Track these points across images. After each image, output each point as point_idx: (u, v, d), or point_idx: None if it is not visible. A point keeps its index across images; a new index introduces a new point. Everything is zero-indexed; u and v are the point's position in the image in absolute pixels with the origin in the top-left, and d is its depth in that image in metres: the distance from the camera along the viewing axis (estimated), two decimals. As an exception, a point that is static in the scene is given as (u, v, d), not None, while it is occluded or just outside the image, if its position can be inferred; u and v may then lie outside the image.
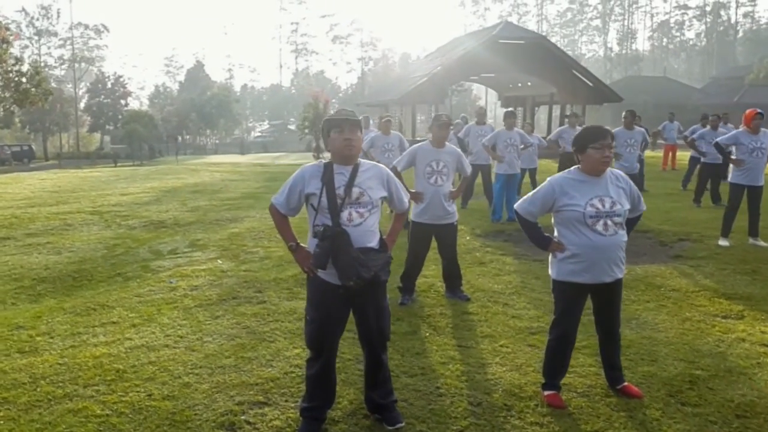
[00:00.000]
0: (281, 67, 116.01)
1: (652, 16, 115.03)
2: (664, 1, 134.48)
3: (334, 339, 3.44)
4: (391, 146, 9.15)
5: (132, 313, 5.54)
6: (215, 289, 6.28)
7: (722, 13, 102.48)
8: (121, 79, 62.98)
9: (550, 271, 3.86)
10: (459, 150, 6.00)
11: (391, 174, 3.51)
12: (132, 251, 8.15)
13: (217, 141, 69.90)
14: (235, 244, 8.48)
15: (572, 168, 3.74)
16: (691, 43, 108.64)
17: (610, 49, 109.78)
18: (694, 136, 12.34)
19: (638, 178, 10.10)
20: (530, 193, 3.84)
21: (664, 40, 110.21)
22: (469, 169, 6.19)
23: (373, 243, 3.33)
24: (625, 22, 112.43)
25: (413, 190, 5.63)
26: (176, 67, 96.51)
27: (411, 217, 5.70)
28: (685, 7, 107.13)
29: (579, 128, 12.38)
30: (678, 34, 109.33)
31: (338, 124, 3.31)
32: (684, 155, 17.56)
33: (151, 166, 28.08)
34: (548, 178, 3.79)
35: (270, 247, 8.27)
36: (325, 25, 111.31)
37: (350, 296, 3.28)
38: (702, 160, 11.98)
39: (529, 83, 30.99)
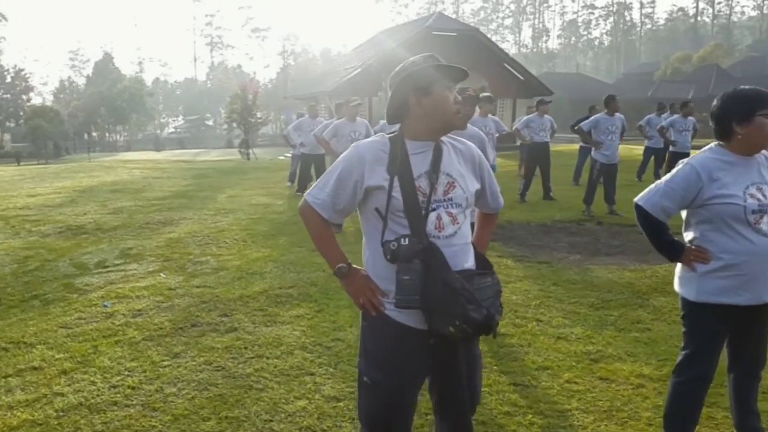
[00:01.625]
0: (195, 60, 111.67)
1: (561, 15, 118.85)
2: (573, 1, 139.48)
3: (409, 415, 2.28)
4: (358, 135, 7.98)
5: (60, 353, 4.13)
6: (166, 313, 4.92)
7: (626, 13, 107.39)
8: (23, 73, 58.37)
9: (678, 288, 2.83)
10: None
11: (482, 155, 2.36)
12: (49, 265, 6.59)
13: (127, 137, 65.93)
14: (177, 253, 7.07)
15: (713, 145, 2.72)
16: (597, 41, 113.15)
17: (526, 45, 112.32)
18: (664, 124, 11.82)
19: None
20: (660, 182, 2.78)
21: (573, 38, 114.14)
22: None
23: (471, 262, 2.19)
24: (536, 21, 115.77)
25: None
26: (82, 61, 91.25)
27: None
28: (593, 6, 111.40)
29: (548, 117, 11.76)
30: (585, 32, 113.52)
31: (447, 75, 2.15)
32: (638, 147, 17.27)
33: (60, 164, 25.52)
34: (685, 160, 2.75)
35: (222, 255, 6.93)
36: (242, 17, 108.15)
37: (438, 347, 2.13)
38: (671, 149, 11.46)
39: (460, 76, 30.37)
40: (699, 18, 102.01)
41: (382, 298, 2.14)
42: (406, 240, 2.02)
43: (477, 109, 10.11)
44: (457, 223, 2.14)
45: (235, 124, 27.57)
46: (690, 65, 61.97)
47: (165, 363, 3.94)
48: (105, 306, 5.09)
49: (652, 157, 14.17)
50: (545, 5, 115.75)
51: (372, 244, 2.18)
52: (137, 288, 5.60)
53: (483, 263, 2.22)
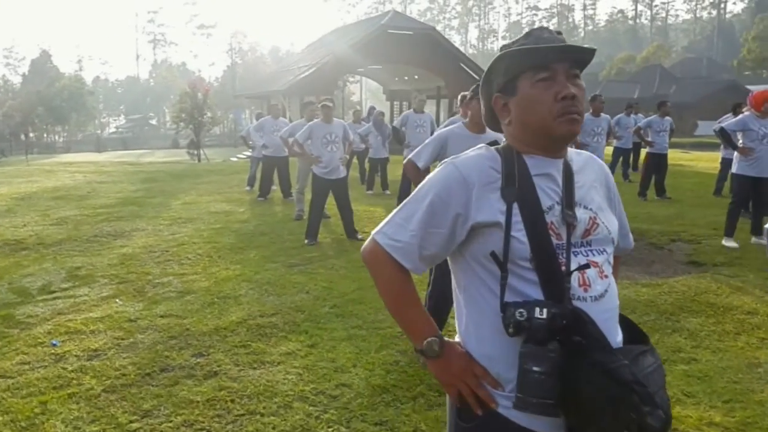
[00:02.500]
0: (138, 58, 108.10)
1: (506, 16, 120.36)
2: (517, 2, 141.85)
3: None
4: (335, 137, 7.27)
5: (-4, 416, 3.30)
6: (128, 353, 4.12)
7: (568, 14, 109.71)
8: (-49, 72, 55.12)
9: None
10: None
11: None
12: (-18, 291, 5.65)
13: (66, 138, 63.02)
14: (133, 273, 6.21)
15: None
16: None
17: (474, 46, 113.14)
18: (641, 124, 11.49)
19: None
20: None
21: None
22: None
23: (620, 333, 1.53)
24: (481, 22, 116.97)
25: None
26: (17, 59, 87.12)
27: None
28: (536, 8, 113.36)
29: None
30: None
31: (548, 58, 1.46)
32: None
33: (-8, 168, 23.79)
34: None
35: (186, 275, 6.11)
36: (186, 14, 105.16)
37: None
38: (648, 150, 11.13)
39: (416, 76, 29.84)
40: (637, 20, 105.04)
41: (494, 390, 1.46)
42: (544, 311, 1.34)
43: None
44: (606, 276, 1.48)
45: (183, 124, 26.27)
46: (633, 65, 63.48)
47: (134, 426, 3.16)
48: (54, 345, 4.25)
49: (621, 159, 13.96)
50: (490, 6, 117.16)
51: (477, 306, 1.49)
52: (91, 320, 4.76)
53: (634, 332, 1.56)
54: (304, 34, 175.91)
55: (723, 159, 11.32)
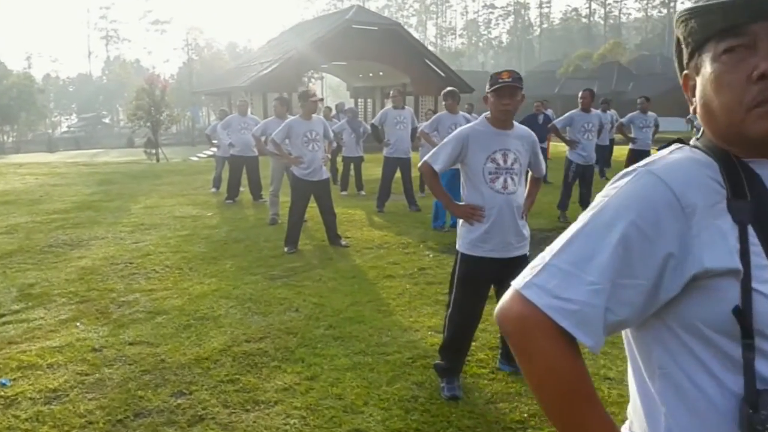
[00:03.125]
0: (90, 55, 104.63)
1: (463, 14, 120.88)
2: (473, 0, 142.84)
3: None
4: (315, 135, 6.67)
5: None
6: (94, 394, 3.47)
7: (524, 12, 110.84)
8: None
9: None
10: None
11: None
12: None
13: (15, 138, 60.45)
14: (95, 289, 5.52)
15: None
16: (497, 41, 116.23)
17: (433, 44, 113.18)
18: (623, 120, 11.17)
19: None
20: None
21: (473, 37, 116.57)
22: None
23: None
24: (439, 20, 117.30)
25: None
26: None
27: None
28: (492, 6, 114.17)
29: (474, 116, 10.81)
30: (486, 32, 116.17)
31: (743, 15, 0.90)
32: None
33: (-67, 170, 22.32)
34: None
35: (155, 291, 5.45)
36: (140, 10, 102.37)
37: None
38: (631, 146, 10.81)
39: (381, 73, 29.28)
40: (591, 18, 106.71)
41: None
42: None
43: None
44: None
45: (141, 122, 25.14)
46: (590, 63, 64.21)
47: (107, 496, 2.55)
48: (3, 385, 3.57)
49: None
50: (447, 4, 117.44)
51: (687, 401, 0.94)
52: (48, 350, 4.08)
53: None
54: (261, 31, 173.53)
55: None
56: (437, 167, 3.43)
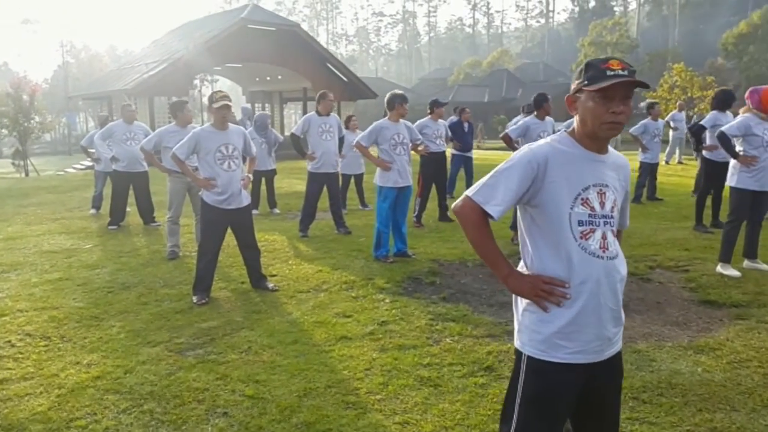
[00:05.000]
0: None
1: (353, 21, 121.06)
2: (362, 8, 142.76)
3: None
4: (233, 150, 5.05)
5: None
6: None
7: (411, 21, 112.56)
8: None
9: None
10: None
11: None
12: None
13: None
14: None
15: None
16: (386, 48, 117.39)
17: (324, 49, 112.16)
18: (565, 126, 10.30)
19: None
20: None
21: (364, 44, 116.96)
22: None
23: None
24: (329, 26, 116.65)
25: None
26: None
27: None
28: (382, 14, 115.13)
29: (442, 122, 9.63)
30: (376, 39, 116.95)
31: None
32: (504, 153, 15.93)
33: None
34: None
35: (7, 382, 3.67)
36: (6, 8, 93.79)
37: None
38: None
39: (279, 76, 27.49)
40: (475, 28, 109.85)
41: None
42: None
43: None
44: None
45: (6, 131, 21.93)
46: (480, 70, 65.39)
47: None
48: None
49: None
50: (337, 11, 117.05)
51: None
52: None
53: None
54: (143, 34, 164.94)
55: (641, 163, 10.56)
56: (493, 210, 2.01)
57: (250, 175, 5.51)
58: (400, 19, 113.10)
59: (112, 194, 8.85)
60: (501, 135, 7.94)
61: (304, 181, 8.15)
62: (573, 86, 2.06)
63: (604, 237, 2.01)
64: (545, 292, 1.99)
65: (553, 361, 2.01)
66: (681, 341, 4.27)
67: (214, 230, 5.22)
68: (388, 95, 6.61)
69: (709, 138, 7.73)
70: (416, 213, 8.62)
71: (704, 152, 8.08)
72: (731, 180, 6.00)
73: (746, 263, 6.12)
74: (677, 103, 17.48)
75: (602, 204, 2.02)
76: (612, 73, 1.94)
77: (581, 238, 1.98)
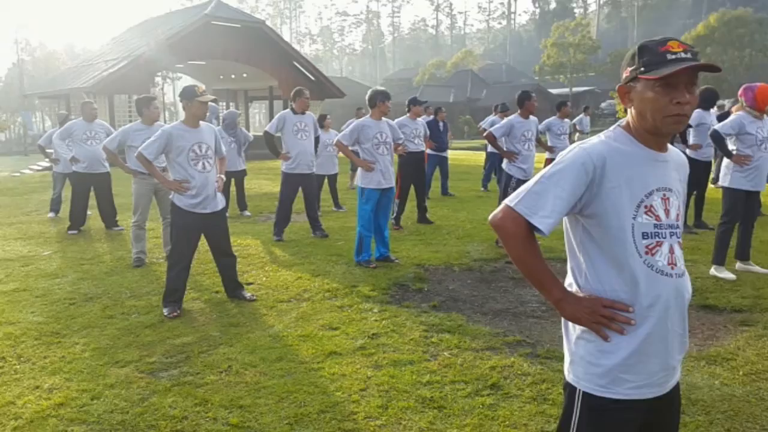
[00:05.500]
0: None
1: (317, 20, 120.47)
2: (326, 7, 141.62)
3: None
4: (206, 150, 4.67)
5: None
6: None
7: (375, 21, 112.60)
8: None
9: None
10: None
11: None
12: None
13: None
14: None
15: None
16: (350, 48, 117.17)
17: (293, 48, 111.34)
18: (540, 127, 10.08)
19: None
20: None
21: (328, 43, 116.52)
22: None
23: None
24: (293, 25, 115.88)
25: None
26: None
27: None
28: (345, 14, 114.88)
29: (420, 120, 9.35)
30: (340, 39, 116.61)
31: None
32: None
33: None
34: None
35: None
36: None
37: None
38: (547, 155, 9.69)
39: (244, 74, 26.81)
40: (438, 29, 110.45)
41: None
42: None
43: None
44: None
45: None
46: (444, 71, 65.54)
47: None
48: None
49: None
50: (300, 10, 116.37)
51: None
52: None
53: None
54: (101, 31, 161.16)
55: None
56: (542, 222, 1.69)
57: (223, 176, 5.12)
58: (363, 19, 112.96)
59: (71, 197, 8.32)
60: (484, 134, 7.69)
61: (274, 181, 7.81)
62: (624, 74, 1.75)
63: (671, 251, 1.71)
64: (606, 318, 1.68)
65: (614, 398, 1.71)
66: (690, 351, 4.04)
67: (188, 236, 4.81)
68: (369, 92, 6.32)
69: (692, 137, 7.60)
70: (395, 215, 8.31)
71: (687, 151, 7.94)
72: (724, 180, 5.84)
73: (739, 265, 5.98)
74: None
75: (667, 212, 1.73)
76: (673, 56, 1.64)
77: (647, 253, 1.68)
